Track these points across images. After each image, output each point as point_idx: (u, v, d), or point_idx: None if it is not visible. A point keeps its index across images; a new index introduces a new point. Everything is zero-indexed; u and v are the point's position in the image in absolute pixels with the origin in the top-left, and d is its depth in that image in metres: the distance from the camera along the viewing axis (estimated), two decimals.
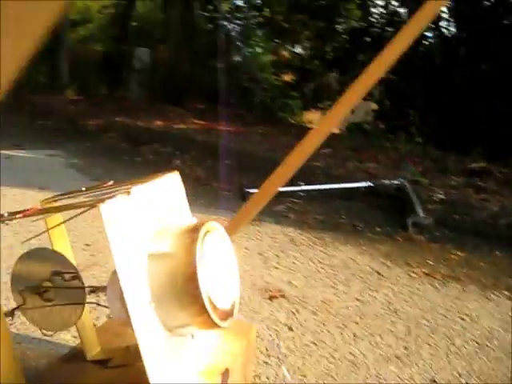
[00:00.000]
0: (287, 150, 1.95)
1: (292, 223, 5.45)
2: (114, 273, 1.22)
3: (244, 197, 6.08)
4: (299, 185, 6.32)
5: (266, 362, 2.88)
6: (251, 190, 6.03)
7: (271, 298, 3.66)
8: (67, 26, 16.71)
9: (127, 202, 1.25)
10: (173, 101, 13.71)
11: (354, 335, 3.25)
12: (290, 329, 3.23)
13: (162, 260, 1.27)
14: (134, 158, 8.50)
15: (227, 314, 1.31)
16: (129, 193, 1.28)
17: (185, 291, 1.22)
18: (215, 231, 1.34)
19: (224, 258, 1.36)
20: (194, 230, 1.27)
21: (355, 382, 2.76)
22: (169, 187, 1.47)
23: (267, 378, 2.72)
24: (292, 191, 6.20)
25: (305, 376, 2.73)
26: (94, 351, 1.56)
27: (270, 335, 3.06)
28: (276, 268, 4.23)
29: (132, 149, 9.24)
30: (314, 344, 3.07)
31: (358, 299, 3.80)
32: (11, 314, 1.54)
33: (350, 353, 3.03)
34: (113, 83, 14.51)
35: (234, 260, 1.42)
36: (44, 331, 1.56)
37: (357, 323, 3.41)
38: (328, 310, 3.52)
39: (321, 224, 5.53)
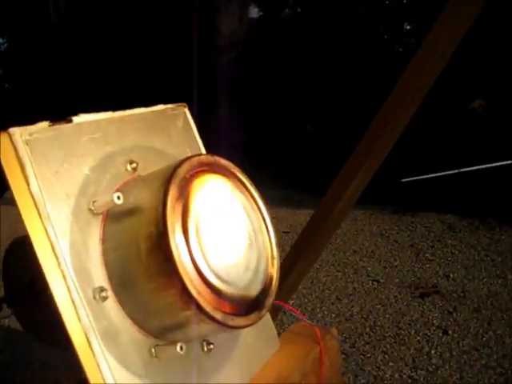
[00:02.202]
0: None
1: (450, 208, 4.67)
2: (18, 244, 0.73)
3: None
4: (459, 167, 5.49)
5: (411, 377, 2.25)
6: None
7: (423, 295, 3.00)
8: None
9: (62, 132, 0.75)
10: None
11: None
12: (445, 332, 2.56)
13: (120, 220, 0.75)
14: None
15: (248, 304, 0.75)
16: (69, 121, 0.77)
17: (153, 265, 0.69)
18: (217, 169, 0.78)
19: (239, 214, 0.79)
20: (173, 169, 0.73)
21: None
22: (165, 120, 0.94)
23: None
24: (450, 175, 5.40)
25: None
26: None
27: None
28: (430, 260, 3.54)
29: None
30: (476, 350, 2.38)
31: None
32: None
33: None
34: None
35: (262, 219, 0.84)
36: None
37: None
38: (494, 306, 2.79)
39: (485, 205, 4.69)
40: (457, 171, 5.31)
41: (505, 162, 4.96)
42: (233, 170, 0.80)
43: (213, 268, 0.70)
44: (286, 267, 1.41)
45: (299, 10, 9.26)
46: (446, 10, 1.12)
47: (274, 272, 0.80)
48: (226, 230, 0.75)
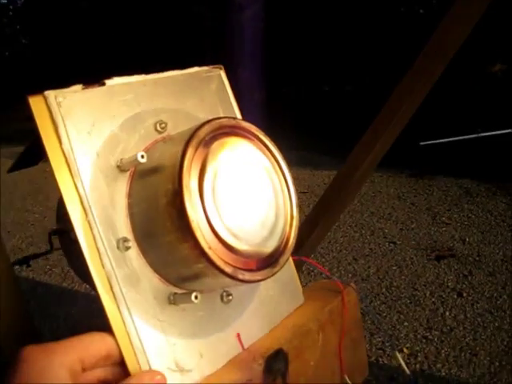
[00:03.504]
0: None
1: (468, 173, 4.66)
2: None
3: None
4: (478, 132, 5.44)
5: (425, 337, 2.29)
6: None
7: (438, 258, 3.03)
8: None
9: (94, 94, 0.78)
10: None
11: None
12: (460, 295, 2.59)
13: (144, 177, 0.78)
14: None
15: (261, 260, 0.77)
16: (102, 84, 0.80)
17: (168, 220, 0.72)
18: (239, 131, 0.80)
19: (259, 175, 0.81)
20: (193, 131, 0.75)
21: None
22: (199, 83, 0.96)
23: (425, 358, 2.13)
24: (468, 139, 5.35)
25: (476, 355, 2.10)
26: None
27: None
28: (446, 224, 3.56)
29: None
30: (490, 313, 2.41)
31: None
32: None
33: None
34: None
35: (284, 180, 0.85)
36: None
37: None
38: (509, 270, 2.81)
39: (503, 171, 4.67)
40: (475, 136, 5.27)
41: None
42: (255, 132, 0.82)
43: (226, 224, 0.72)
44: (307, 228, 1.43)
45: None
46: None
47: (292, 231, 0.82)
48: (245, 189, 0.77)
